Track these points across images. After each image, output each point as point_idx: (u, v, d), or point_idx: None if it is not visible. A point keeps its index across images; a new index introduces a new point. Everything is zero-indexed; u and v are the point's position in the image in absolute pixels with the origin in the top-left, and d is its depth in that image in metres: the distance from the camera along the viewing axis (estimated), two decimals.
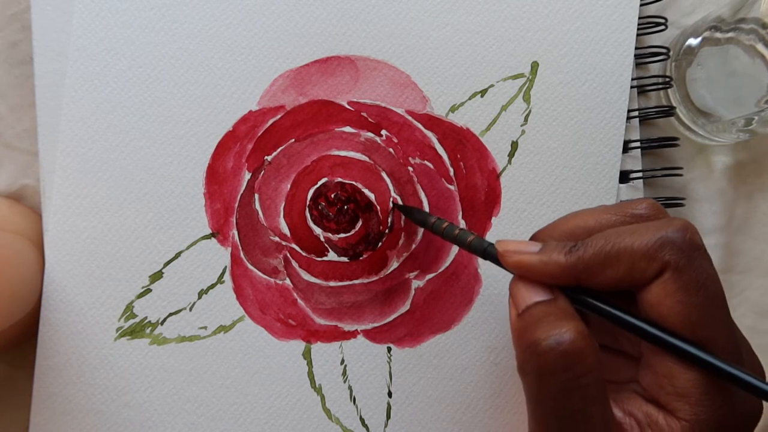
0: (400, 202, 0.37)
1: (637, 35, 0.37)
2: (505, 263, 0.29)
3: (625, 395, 0.28)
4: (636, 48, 0.37)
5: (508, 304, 0.29)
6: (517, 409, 0.36)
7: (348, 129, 0.37)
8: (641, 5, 0.37)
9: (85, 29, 0.36)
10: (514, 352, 0.28)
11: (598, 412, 0.26)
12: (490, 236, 0.37)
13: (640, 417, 0.27)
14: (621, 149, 0.37)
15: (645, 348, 0.28)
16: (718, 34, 0.33)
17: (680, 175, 0.39)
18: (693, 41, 0.35)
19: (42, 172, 0.36)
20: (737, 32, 0.33)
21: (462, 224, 0.37)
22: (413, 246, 0.37)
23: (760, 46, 0.32)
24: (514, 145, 0.37)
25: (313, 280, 0.36)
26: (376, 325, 0.36)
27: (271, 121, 0.36)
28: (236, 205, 0.36)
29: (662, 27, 0.37)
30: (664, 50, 0.37)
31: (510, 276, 0.30)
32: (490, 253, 0.30)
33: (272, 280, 0.36)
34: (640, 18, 0.37)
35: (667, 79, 0.37)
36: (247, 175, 0.36)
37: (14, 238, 0.34)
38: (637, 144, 0.38)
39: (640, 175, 0.37)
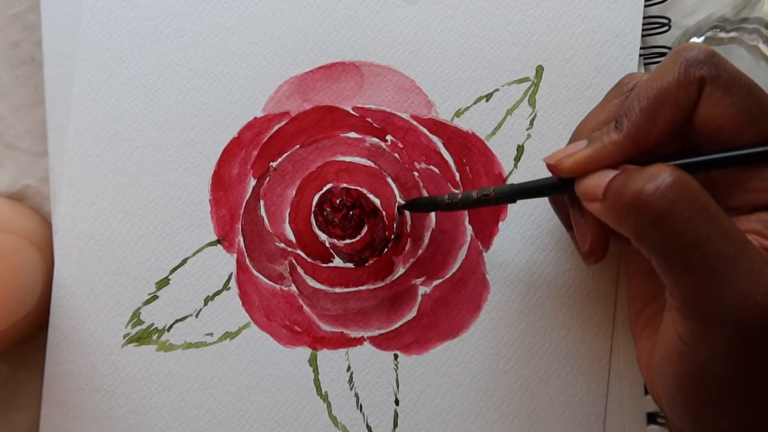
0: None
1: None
2: (561, 171, 0.29)
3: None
4: (639, 48, 0.37)
5: (573, 222, 0.30)
6: (527, 419, 0.36)
7: (353, 134, 0.37)
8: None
9: (92, 38, 0.37)
10: (621, 222, 0.27)
11: (729, 225, 0.25)
12: (498, 241, 0.36)
13: (758, 227, 0.26)
14: None
15: (726, 178, 0.28)
16: (722, 34, 0.33)
17: None
18: (696, 41, 0.34)
19: (52, 176, 0.36)
20: (740, 32, 0.32)
21: (469, 230, 0.36)
22: (420, 252, 0.37)
23: (762, 47, 0.31)
24: (520, 149, 0.37)
25: (318, 286, 0.36)
26: (382, 331, 0.36)
27: (276, 128, 0.37)
28: (242, 211, 0.36)
29: (666, 28, 0.37)
30: (668, 50, 0.36)
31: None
32: (520, 189, 0.31)
33: (278, 286, 0.36)
34: (642, 19, 0.37)
35: None
36: (253, 182, 0.36)
37: (15, 239, 0.34)
38: None
39: None
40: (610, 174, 0.27)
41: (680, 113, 0.27)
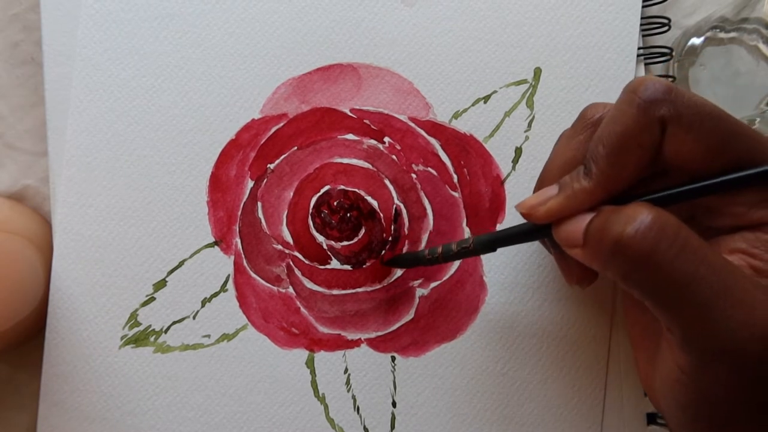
0: (404, 212, 0.36)
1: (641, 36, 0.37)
2: (535, 219, 0.29)
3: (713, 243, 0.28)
4: (638, 48, 0.37)
5: (556, 261, 0.30)
6: (524, 421, 0.36)
7: (351, 136, 0.37)
8: (642, 6, 0.37)
9: (90, 39, 0.37)
10: (608, 269, 0.26)
11: (714, 256, 0.25)
12: None
13: (742, 246, 0.26)
14: None
15: (704, 204, 0.28)
16: (722, 34, 0.33)
17: None
18: (696, 41, 0.34)
19: (52, 176, 0.36)
20: (740, 32, 0.32)
21: (466, 231, 0.36)
22: None
23: (762, 47, 0.31)
24: (518, 151, 0.37)
25: (316, 288, 0.36)
26: (379, 333, 0.36)
27: (273, 129, 0.37)
28: (239, 213, 0.36)
29: (666, 28, 0.37)
30: (668, 50, 0.36)
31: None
32: (499, 238, 0.31)
33: (275, 288, 0.36)
34: (641, 18, 0.37)
35: (670, 80, 0.37)
36: (250, 183, 0.36)
37: (16, 239, 0.34)
38: None
39: None
40: (587, 217, 0.27)
41: (646, 155, 0.27)
